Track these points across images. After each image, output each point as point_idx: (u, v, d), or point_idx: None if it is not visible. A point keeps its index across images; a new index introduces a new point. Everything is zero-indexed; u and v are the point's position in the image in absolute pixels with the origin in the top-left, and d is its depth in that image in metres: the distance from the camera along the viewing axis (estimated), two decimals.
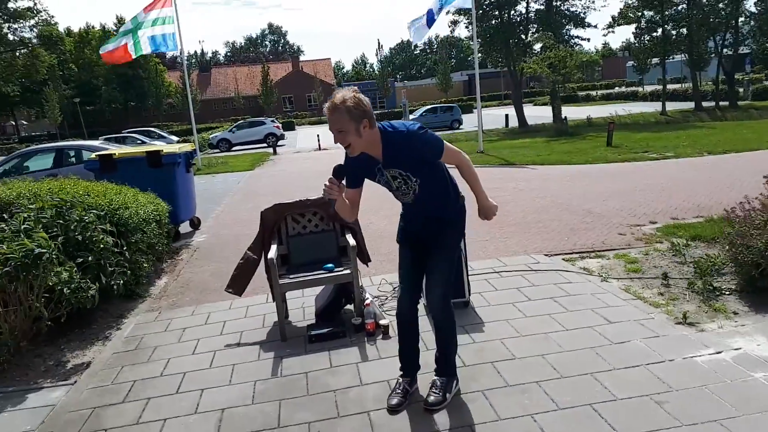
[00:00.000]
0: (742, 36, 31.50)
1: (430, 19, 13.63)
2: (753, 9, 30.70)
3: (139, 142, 25.57)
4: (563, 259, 5.56)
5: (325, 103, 2.75)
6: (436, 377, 3.21)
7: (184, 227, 8.50)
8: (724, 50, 31.06)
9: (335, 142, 2.77)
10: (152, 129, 34.42)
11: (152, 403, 3.41)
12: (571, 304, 4.36)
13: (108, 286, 4.66)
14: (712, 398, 2.95)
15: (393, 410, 3.09)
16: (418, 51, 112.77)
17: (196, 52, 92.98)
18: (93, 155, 8.01)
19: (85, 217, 4.73)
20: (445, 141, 2.94)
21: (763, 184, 5.38)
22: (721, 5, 29.50)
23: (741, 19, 30.58)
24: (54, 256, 4.08)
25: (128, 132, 30.09)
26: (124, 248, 5.16)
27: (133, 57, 16.76)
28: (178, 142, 28.37)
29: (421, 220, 3.07)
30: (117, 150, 9.40)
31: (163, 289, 5.74)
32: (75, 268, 4.29)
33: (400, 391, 3.19)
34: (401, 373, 3.29)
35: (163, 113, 53.43)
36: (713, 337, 3.65)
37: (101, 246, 4.67)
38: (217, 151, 29.96)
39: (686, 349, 3.50)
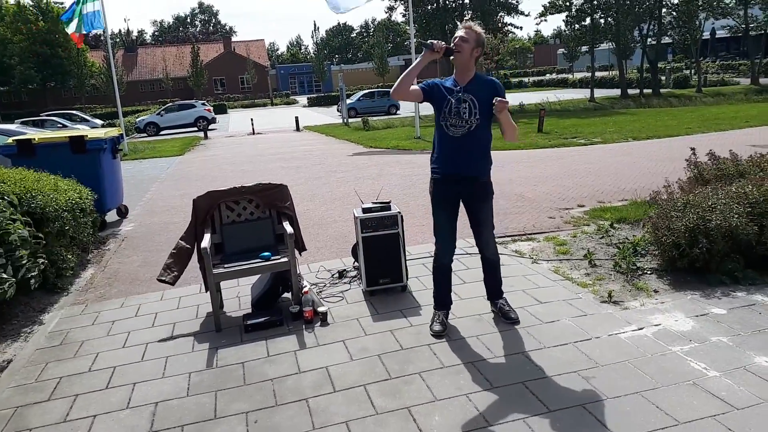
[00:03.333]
0: (664, 26, 33.03)
1: None
2: (675, 0, 32.25)
3: (59, 125, 24.27)
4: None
5: (469, 23, 3.56)
6: (498, 300, 3.98)
7: (111, 216, 8.14)
8: (648, 40, 32.53)
9: (452, 42, 3.49)
10: (74, 112, 32.63)
11: (80, 400, 3.27)
12: (503, 286, 4.48)
13: (23, 279, 4.40)
14: (635, 372, 3.12)
15: (438, 335, 3.73)
16: (355, 34, 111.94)
17: (120, 30, 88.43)
18: (9, 140, 7.53)
19: None
20: None
21: (684, 168, 5.71)
22: None
23: (663, 10, 32.08)
24: None
25: (48, 115, 28.44)
26: (42, 239, 4.88)
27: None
28: (102, 125, 27.12)
29: (460, 161, 3.57)
30: (36, 134, 8.88)
31: (90, 281, 5.49)
32: None
33: (440, 320, 3.83)
34: (436, 308, 3.92)
35: (86, 95, 50.64)
36: (636, 314, 3.86)
37: (16, 237, 4.40)
38: (145, 135, 28.74)
39: (611, 327, 3.68)
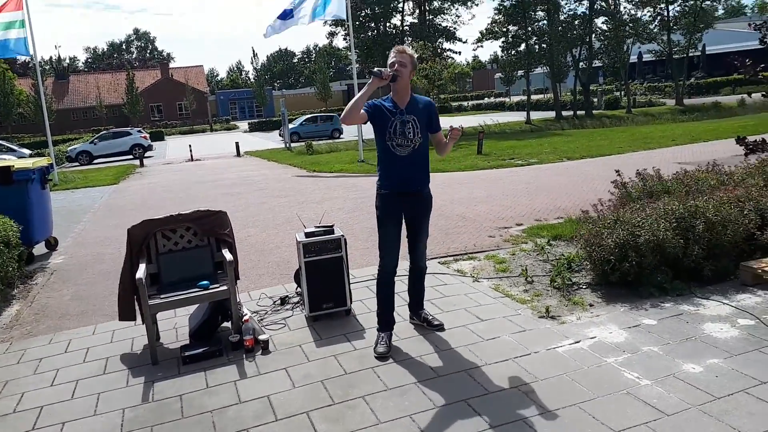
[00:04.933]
0: (594, 51, 34.72)
1: (285, 14, 13.53)
2: (604, 27, 34.03)
3: None
4: (439, 262, 5.76)
5: (401, 47, 3.79)
6: (421, 311, 4.19)
7: (40, 249, 7.76)
8: (580, 64, 34.08)
9: (390, 67, 3.66)
10: (0, 141, 31.15)
11: None
12: (446, 305, 4.53)
13: None
14: (572, 384, 3.20)
15: (382, 357, 3.73)
16: (297, 60, 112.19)
17: (51, 57, 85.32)
18: None
19: None
20: None
21: (610, 191, 5.99)
22: (576, 22, 32.44)
23: (593, 36, 33.78)
24: None
25: None
26: None
27: None
28: (31, 155, 25.96)
29: (408, 178, 3.82)
30: None
31: (15, 318, 5.19)
32: None
33: (384, 342, 3.84)
34: (379, 329, 3.94)
35: (13, 124, 48.35)
36: (572, 328, 3.97)
37: None
38: (77, 164, 27.68)
39: (549, 341, 3.77)
